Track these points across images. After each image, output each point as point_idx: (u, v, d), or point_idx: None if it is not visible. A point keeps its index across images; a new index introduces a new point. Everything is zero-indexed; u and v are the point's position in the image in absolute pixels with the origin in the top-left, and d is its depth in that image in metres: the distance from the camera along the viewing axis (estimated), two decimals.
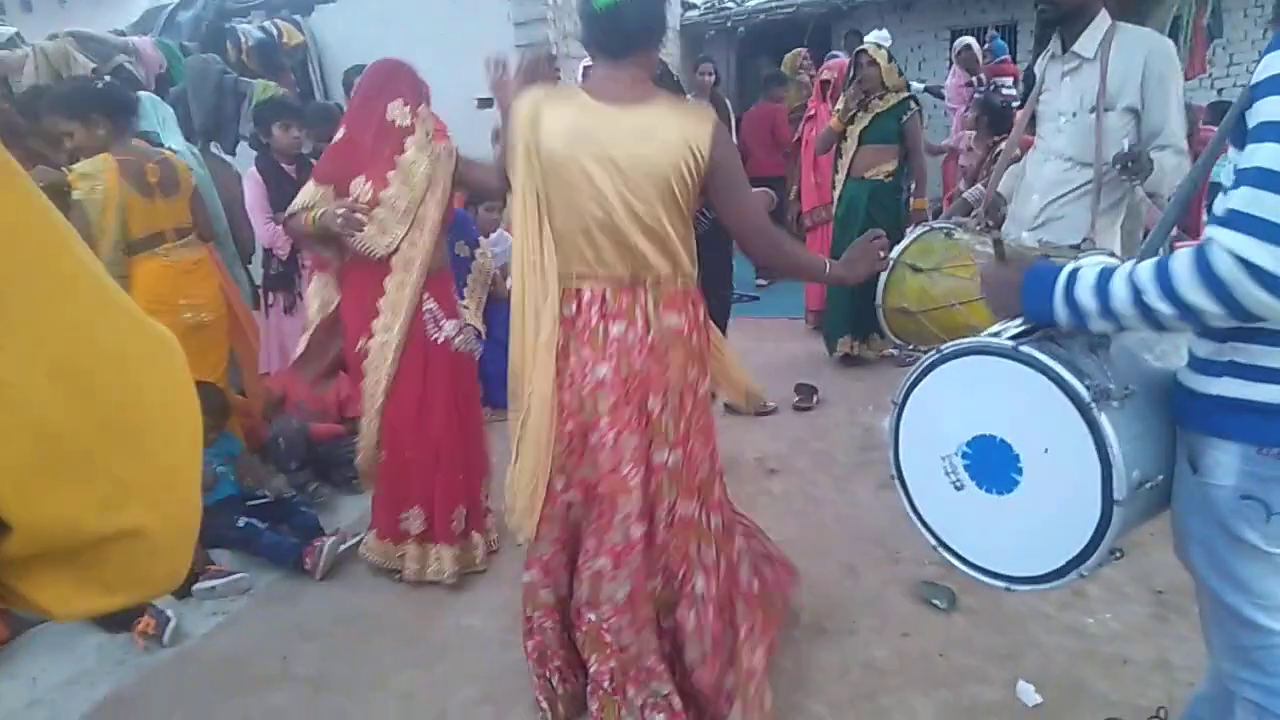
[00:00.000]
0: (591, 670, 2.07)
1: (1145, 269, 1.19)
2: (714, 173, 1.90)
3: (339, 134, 2.86)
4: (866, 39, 5.04)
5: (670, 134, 1.86)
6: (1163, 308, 1.17)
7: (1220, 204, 1.13)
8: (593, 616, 2.03)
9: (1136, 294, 1.20)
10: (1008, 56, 7.65)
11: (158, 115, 4.19)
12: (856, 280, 2.18)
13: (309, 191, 2.77)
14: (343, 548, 3.13)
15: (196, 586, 2.97)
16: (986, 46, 7.59)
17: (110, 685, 2.58)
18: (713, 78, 6.90)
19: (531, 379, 1.96)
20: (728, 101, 7.31)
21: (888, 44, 4.91)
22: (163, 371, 0.52)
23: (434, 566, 2.93)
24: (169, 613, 2.77)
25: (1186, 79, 5.31)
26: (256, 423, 3.83)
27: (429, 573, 2.93)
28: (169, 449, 0.51)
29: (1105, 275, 1.25)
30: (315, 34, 7.11)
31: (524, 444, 1.98)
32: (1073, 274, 1.30)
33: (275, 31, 6.68)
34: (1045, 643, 2.43)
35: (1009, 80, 7.04)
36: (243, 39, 6.30)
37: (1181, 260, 1.14)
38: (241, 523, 3.14)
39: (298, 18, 7.06)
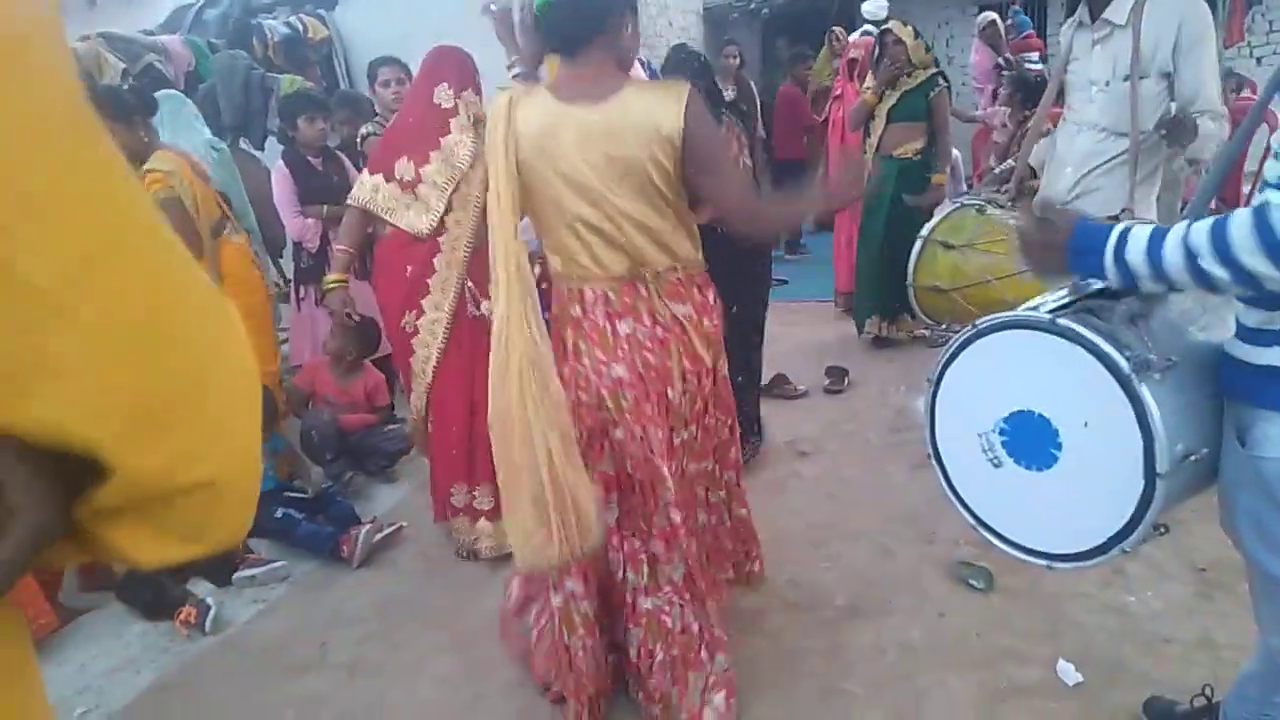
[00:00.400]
0: (651, 665, 2.04)
1: (1200, 231, 1.15)
2: (688, 153, 1.80)
3: (393, 120, 2.98)
4: (865, 9, 4.96)
5: (640, 124, 1.78)
6: (1219, 271, 1.13)
7: (1273, 169, 1.10)
8: (649, 604, 2.03)
9: (1191, 257, 1.16)
10: (1032, 31, 7.47)
11: (174, 114, 4.26)
12: (843, 201, 2.06)
13: (365, 183, 2.87)
14: (378, 536, 3.16)
15: (236, 575, 3.01)
16: (1009, 22, 7.41)
17: (154, 672, 2.63)
18: (737, 60, 6.85)
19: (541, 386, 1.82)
20: (752, 84, 7.26)
21: (884, 14, 4.84)
22: (230, 336, 0.56)
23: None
24: (209, 601, 2.82)
25: (1225, 47, 5.18)
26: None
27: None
28: (236, 408, 0.55)
29: (1158, 237, 1.21)
30: (340, 28, 7.14)
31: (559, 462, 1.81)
32: (1124, 234, 1.26)
33: (300, 27, 6.71)
34: (1085, 622, 2.39)
35: (1035, 55, 6.89)
36: (269, 35, 6.34)
37: (1240, 223, 1.10)
38: (279, 514, 3.20)
39: (322, 12, 7.09)
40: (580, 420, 1.95)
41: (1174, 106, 2.43)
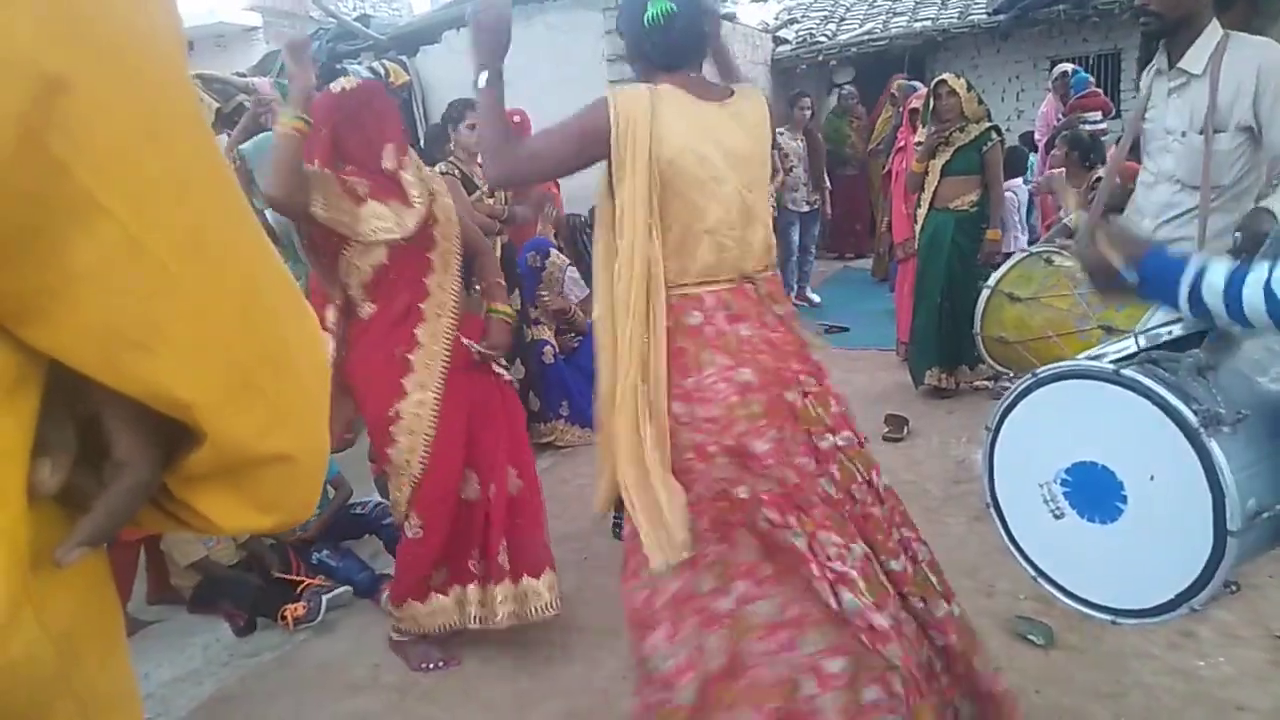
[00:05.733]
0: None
1: None
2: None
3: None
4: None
5: (760, 118, 1.92)
6: None
7: None
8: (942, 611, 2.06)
9: (1277, 303, 1.15)
10: (1092, 89, 7.27)
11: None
12: None
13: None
14: None
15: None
16: (1070, 81, 7.24)
17: (215, 684, 2.71)
18: (809, 112, 6.93)
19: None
20: (820, 135, 7.34)
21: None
22: (309, 324, 0.63)
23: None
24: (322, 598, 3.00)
25: None
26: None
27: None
28: (312, 388, 0.61)
29: (1236, 281, 1.19)
30: (420, 74, 7.45)
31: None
32: (1200, 272, 1.24)
33: (382, 71, 7.01)
34: (1151, 684, 2.31)
35: (1097, 115, 6.73)
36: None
37: None
38: (314, 560, 3.24)
39: (404, 58, 7.41)
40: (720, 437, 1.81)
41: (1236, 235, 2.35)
